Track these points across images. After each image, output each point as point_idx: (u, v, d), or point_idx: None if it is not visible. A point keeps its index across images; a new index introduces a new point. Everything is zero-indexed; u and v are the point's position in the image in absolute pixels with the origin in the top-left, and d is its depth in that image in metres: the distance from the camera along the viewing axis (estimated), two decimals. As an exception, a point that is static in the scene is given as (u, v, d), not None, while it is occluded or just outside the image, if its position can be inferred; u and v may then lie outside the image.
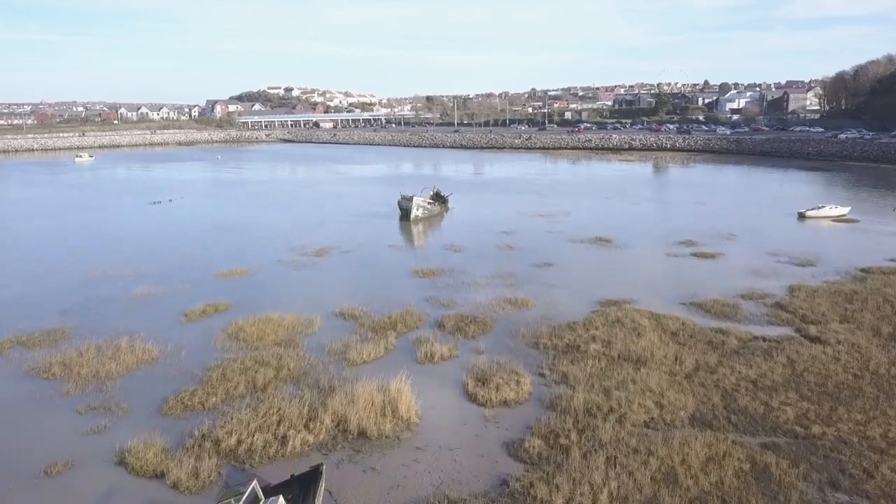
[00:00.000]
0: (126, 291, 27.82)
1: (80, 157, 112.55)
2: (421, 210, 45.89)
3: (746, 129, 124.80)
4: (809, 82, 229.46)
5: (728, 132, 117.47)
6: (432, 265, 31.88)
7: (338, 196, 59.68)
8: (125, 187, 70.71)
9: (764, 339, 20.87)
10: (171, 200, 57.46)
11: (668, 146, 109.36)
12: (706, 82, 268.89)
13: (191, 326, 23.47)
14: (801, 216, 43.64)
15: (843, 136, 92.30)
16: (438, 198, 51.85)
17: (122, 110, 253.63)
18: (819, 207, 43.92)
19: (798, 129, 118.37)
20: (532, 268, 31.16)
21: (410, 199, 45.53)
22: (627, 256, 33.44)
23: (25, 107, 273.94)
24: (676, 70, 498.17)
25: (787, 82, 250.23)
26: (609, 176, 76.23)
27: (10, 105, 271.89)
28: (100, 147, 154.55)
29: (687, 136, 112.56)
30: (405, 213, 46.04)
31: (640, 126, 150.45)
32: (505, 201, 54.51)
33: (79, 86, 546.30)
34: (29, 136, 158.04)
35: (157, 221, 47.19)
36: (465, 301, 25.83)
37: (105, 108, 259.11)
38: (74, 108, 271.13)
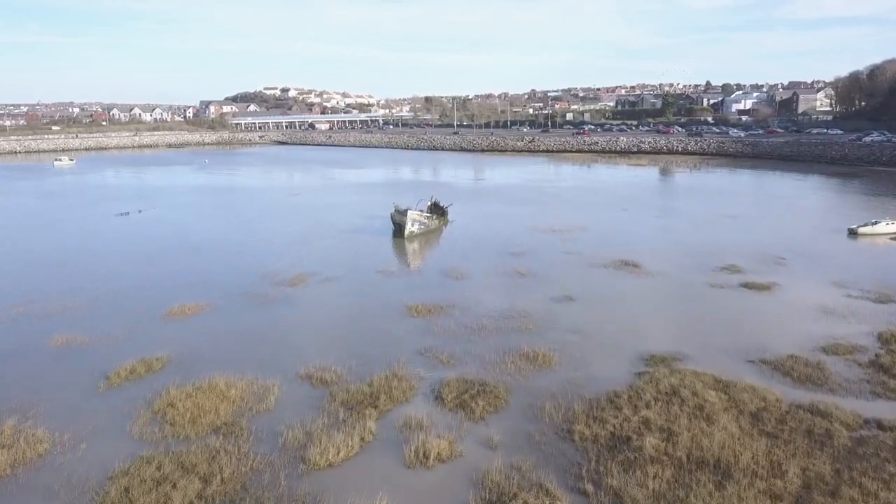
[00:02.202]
0: (42, 339, 22.13)
1: (60, 160, 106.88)
2: (417, 225, 40.24)
3: (760, 130, 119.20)
4: (812, 83, 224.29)
5: (742, 134, 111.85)
6: (429, 298, 26.25)
7: (326, 206, 54.02)
8: (97, 194, 65.00)
9: (880, 426, 15.24)
10: (140, 211, 51.80)
11: (679, 149, 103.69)
12: (708, 83, 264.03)
13: (109, 397, 17.80)
14: (853, 233, 38.04)
15: (867, 139, 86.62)
16: (437, 209, 46.20)
17: (115, 111, 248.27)
18: (873, 223, 38.30)
19: (814, 131, 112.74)
20: (550, 303, 25.51)
21: (405, 212, 39.88)
22: (663, 287, 27.78)
23: (22, 107, 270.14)
24: (679, 71, 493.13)
25: (790, 83, 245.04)
26: (621, 182, 70.59)
27: (6, 105, 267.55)
28: (86, 149, 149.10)
29: (698, 139, 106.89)
30: (399, 229, 40.41)
31: (646, 128, 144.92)
32: (511, 213, 48.87)
33: (78, 86, 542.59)
34: (12, 137, 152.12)
35: (117, 238, 41.49)
36: (469, 355, 20.20)
37: (100, 109, 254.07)
38: (71, 109, 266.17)
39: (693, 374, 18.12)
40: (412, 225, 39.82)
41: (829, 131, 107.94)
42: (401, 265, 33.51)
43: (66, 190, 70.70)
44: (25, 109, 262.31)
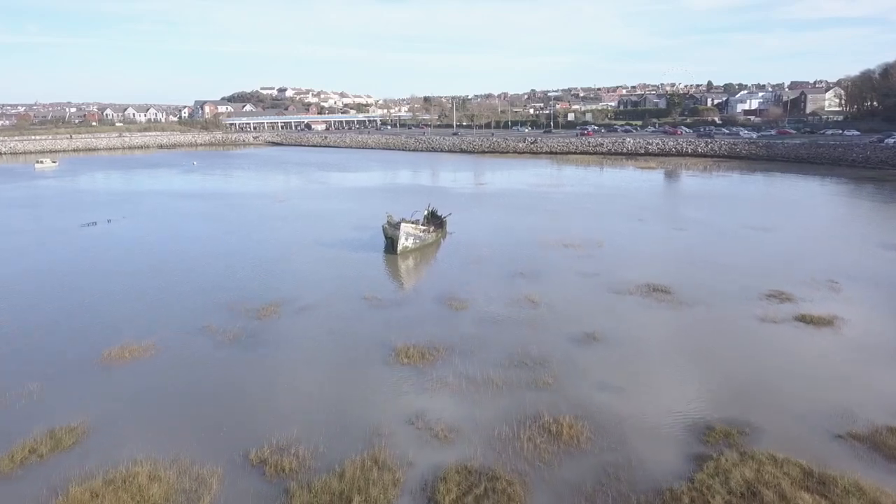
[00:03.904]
0: (-68, 399, 17.59)
1: (42, 162, 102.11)
2: (411, 240, 35.68)
3: (772, 131, 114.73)
4: (815, 83, 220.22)
5: (754, 135, 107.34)
6: (422, 336, 21.72)
7: (313, 215, 49.46)
8: (69, 200, 60.44)
9: None
10: (109, 221, 47.23)
11: (689, 151, 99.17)
12: (710, 83, 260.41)
13: (-12, 495, 13.27)
14: (908, 249, 33.57)
15: (890, 140, 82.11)
16: (434, 218, 41.75)
17: (108, 111, 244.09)
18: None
19: (829, 132, 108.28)
20: (570, 344, 20.97)
21: (398, 225, 35.33)
22: (704, 322, 23.22)
23: (20, 107, 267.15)
24: (681, 71, 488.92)
25: (793, 83, 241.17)
26: (631, 187, 66.06)
27: (3, 105, 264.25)
28: (74, 150, 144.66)
29: (708, 140, 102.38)
30: (391, 244, 35.87)
31: (652, 128, 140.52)
32: (516, 223, 44.33)
33: (78, 87, 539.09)
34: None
35: (71, 253, 36.89)
36: (472, 424, 15.68)
37: (96, 109, 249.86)
38: (68, 109, 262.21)
39: (772, 462, 13.59)
40: (406, 239, 35.28)
41: (846, 132, 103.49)
42: (391, 289, 28.89)
43: (37, 195, 66.07)
44: (23, 109, 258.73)
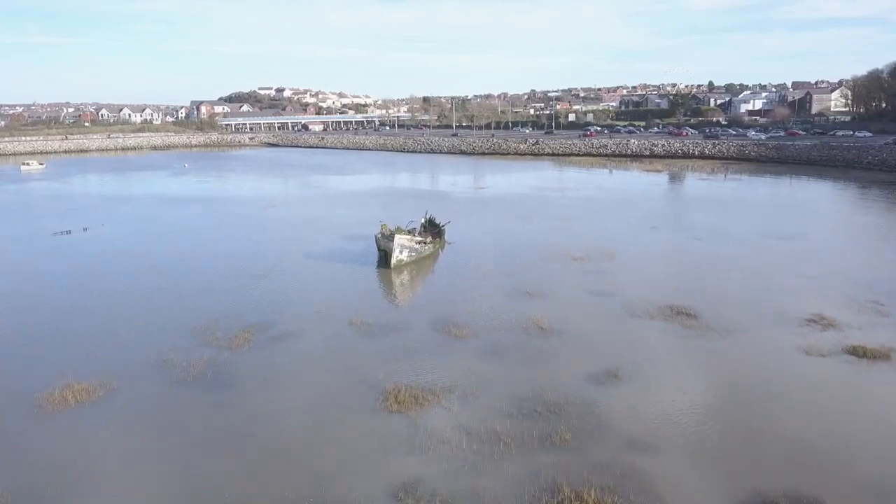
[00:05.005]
0: None
1: (28, 164, 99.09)
2: (406, 252, 32.64)
3: (781, 132, 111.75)
4: (816, 83, 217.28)
5: (763, 137, 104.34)
6: (415, 374, 18.73)
7: (303, 222, 46.42)
8: (48, 206, 57.37)
9: None
10: (85, 229, 44.17)
11: (696, 153, 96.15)
12: (711, 83, 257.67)
13: None
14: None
15: (907, 141, 79.11)
16: (432, 227, 38.81)
17: (104, 111, 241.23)
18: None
19: (839, 133, 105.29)
20: (588, 386, 17.93)
21: (391, 236, 32.26)
22: (740, 355, 20.16)
23: (18, 108, 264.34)
24: (682, 71, 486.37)
25: (795, 83, 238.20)
26: (639, 191, 63.06)
27: (1, 106, 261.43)
28: (66, 152, 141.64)
29: (716, 142, 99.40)
30: (384, 257, 32.83)
31: (656, 129, 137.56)
32: (519, 231, 41.32)
33: (77, 87, 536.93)
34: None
35: (33, 269, 33.75)
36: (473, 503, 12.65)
37: (92, 110, 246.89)
38: (66, 109, 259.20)
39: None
40: (400, 252, 32.23)
41: (857, 133, 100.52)
42: (382, 312, 25.77)
43: (17, 200, 63.03)
44: (21, 109, 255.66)
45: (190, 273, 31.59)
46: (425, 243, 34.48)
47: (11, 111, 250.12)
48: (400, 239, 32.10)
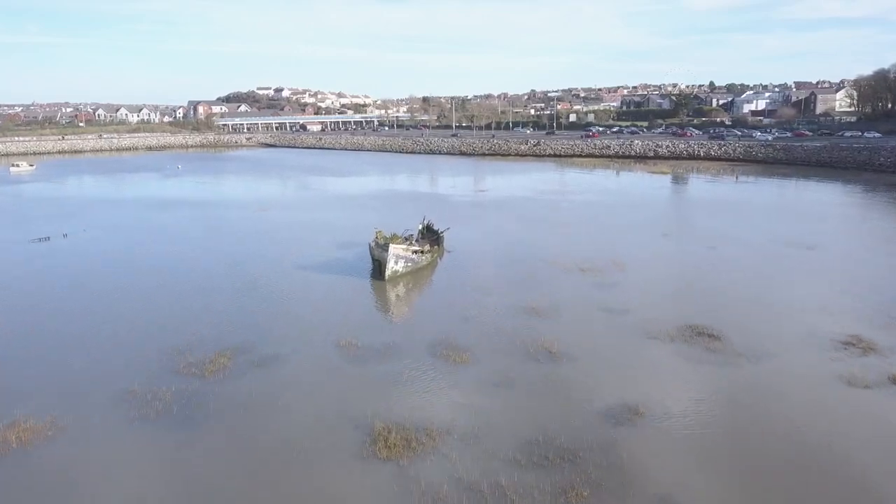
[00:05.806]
0: None
1: (18, 165, 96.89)
2: (402, 263, 30.42)
3: (788, 133, 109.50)
4: (818, 83, 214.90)
5: (769, 137, 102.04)
6: (408, 409, 16.56)
7: (296, 228, 44.20)
8: (32, 209, 55.18)
9: None
10: (65, 235, 41.99)
11: (701, 154, 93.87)
12: (712, 83, 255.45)
13: None
14: None
15: (920, 143, 76.81)
16: (430, 234, 36.69)
17: (100, 111, 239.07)
18: None
19: (847, 133, 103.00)
20: (605, 426, 15.71)
21: (386, 245, 30.02)
22: (776, 389, 17.90)
23: (17, 108, 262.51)
24: (683, 71, 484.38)
25: (796, 83, 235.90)
26: (646, 195, 60.80)
27: (0, 106, 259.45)
28: (59, 153, 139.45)
29: (722, 143, 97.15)
30: (378, 268, 30.64)
31: (659, 130, 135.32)
32: (522, 238, 39.08)
33: (77, 88, 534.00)
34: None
35: (3, 280, 31.58)
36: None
37: (90, 110, 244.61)
38: (64, 109, 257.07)
39: None
40: (395, 263, 30.02)
41: (865, 134, 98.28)
42: (375, 332, 23.51)
43: (1, 203, 60.78)
44: (20, 109, 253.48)
45: (167, 287, 29.32)
46: (422, 252, 32.24)
47: (10, 111, 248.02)
48: (395, 248, 29.88)
